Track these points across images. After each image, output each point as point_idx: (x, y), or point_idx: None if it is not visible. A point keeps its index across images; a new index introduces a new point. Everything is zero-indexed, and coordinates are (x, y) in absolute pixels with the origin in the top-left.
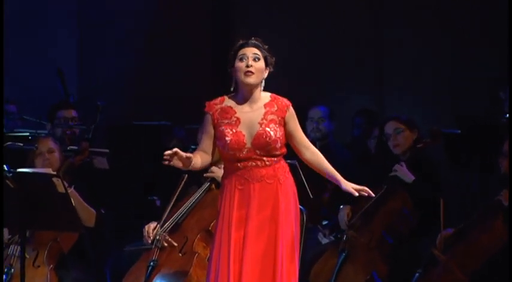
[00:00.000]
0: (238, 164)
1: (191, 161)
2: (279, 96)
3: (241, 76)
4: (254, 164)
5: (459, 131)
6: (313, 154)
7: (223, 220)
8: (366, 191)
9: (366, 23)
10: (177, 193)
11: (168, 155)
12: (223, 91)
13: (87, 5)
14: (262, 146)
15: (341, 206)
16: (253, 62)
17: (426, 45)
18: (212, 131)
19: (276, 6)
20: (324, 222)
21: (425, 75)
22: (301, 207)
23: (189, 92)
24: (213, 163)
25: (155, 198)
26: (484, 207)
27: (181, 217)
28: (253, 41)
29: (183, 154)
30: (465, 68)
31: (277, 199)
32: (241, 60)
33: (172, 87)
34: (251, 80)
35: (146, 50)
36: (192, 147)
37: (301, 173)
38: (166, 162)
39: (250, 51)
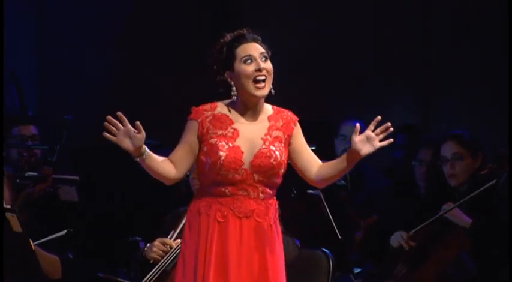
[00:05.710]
0: (225, 190)
1: (143, 139)
2: (282, 109)
3: (250, 85)
4: (245, 192)
5: None
6: (320, 165)
7: (196, 259)
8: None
9: (408, 12)
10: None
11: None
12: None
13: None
14: (264, 169)
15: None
16: (264, 64)
17: (485, 44)
18: (194, 142)
19: None
20: (356, 270)
21: (483, 82)
22: (326, 250)
23: (181, 102)
24: None
25: (138, 239)
26: None
27: (170, 263)
28: (252, 35)
29: (130, 126)
30: None
31: (270, 245)
32: (246, 62)
33: (159, 98)
34: (265, 91)
35: (123, 53)
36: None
37: (326, 206)
38: (105, 134)
39: (256, 50)
